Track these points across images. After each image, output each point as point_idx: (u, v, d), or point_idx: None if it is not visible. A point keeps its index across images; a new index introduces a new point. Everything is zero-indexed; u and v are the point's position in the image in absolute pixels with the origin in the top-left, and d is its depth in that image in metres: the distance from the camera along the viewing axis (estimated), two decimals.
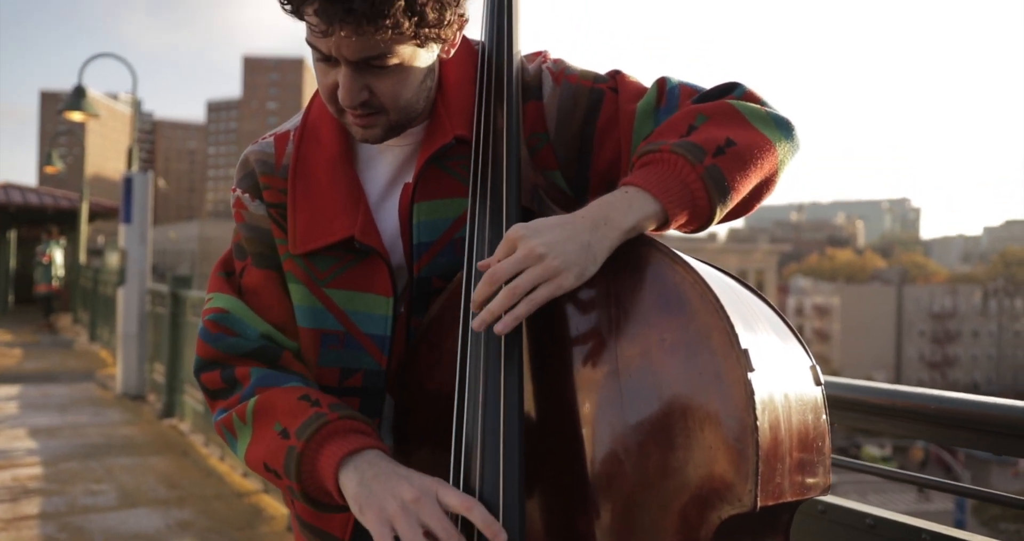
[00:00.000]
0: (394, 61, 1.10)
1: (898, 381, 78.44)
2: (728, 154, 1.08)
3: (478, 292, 1.05)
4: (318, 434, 1.10)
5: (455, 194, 1.23)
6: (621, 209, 1.06)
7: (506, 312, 1.04)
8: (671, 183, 1.07)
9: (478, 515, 0.99)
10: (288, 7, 1.08)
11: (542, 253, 1.02)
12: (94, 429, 7.23)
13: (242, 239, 1.30)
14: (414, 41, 1.09)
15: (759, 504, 0.91)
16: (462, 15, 1.14)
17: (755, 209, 1.18)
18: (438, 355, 1.19)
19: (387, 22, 1.03)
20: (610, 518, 1.01)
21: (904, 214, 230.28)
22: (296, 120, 1.32)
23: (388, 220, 1.26)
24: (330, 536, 1.26)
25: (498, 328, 1.04)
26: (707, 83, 1.23)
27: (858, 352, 79.72)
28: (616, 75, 1.26)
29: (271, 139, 1.31)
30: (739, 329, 0.94)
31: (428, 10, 1.06)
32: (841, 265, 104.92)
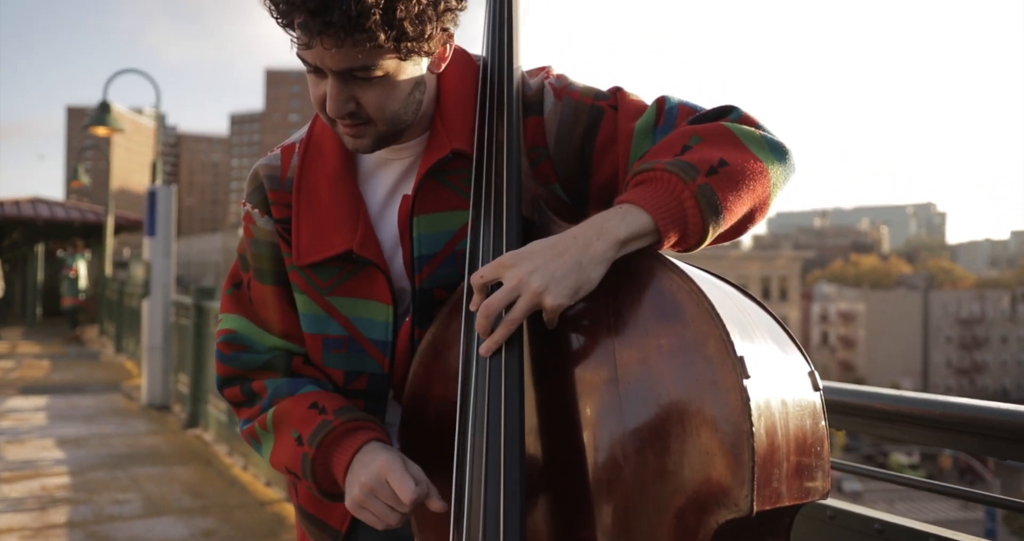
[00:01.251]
0: (378, 73, 1.13)
1: (925, 388, 77.48)
2: (721, 174, 1.09)
3: (479, 326, 1.09)
4: (326, 440, 1.23)
5: (454, 207, 1.27)
6: (614, 225, 1.07)
7: (490, 335, 1.09)
8: (664, 200, 1.08)
9: (408, 496, 1.11)
10: (279, 21, 1.12)
11: (528, 282, 1.05)
12: (120, 439, 7.31)
13: (248, 254, 1.38)
14: (396, 54, 1.12)
15: (756, 509, 0.92)
16: (446, 29, 1.17)
17: (747, 231, 1.18)
18: (443, 366, 1.23)
19: (364, 35, 1.07)
20: (610, 522, 1.03)
21: (929, 219, 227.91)
22: (303, 132, 1.36)
23: (388, 232, 1.31)
24: (329, 527, 1.37)
25: (481, 351, 1.09)
26: (708, 101, 1.25)
27: (884, 358, 78.86)
28: (617, 92, 1.28)
29: (278, 152, 1.37)
30: (735, 336, 0.96)
31: (407, 24, 1.09)
32: (866, 271, 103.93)
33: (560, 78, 1.30)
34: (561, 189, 1.28)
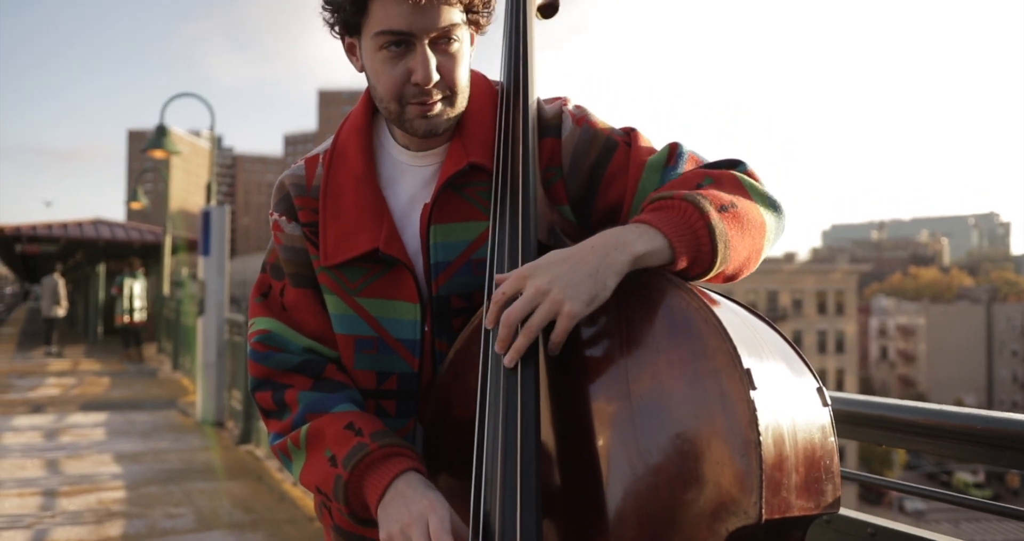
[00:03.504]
0: (455, 44, 1.25)
1: (990, 404, 75.22)
2: (731, 213, 1.16)
3: (500, 337, 1.12)
4: (360, 464, 1.22)
5: (470, 218, 1.33)
6: (632, 240, 1.12)
7: (511, 346, 1.12)
8: (680, 226, 1.13)
9: None
10: None
11: (548, 289, 1.09)
12: (175, 454, 7.48)
13: (280, 260, 1.42)
14: (468, 25, 1.27)
15: (764, 516, 0.93)
16: (491, 13, 1.31)
17: (735, 280, 1.24)
18: (463, 386, 1.25)
19: None
20: (625, 532, 1.04)
21: (992, 229, 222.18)
22: (326, 144, 1.43)
23: (410, 236, 1.35)
24: None
25: (505, 362, 1.12)
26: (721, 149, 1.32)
27: (946, 374, 76.86)
28: (632, 131, 1.36)
29: (302, 163, 1.43)
30: (742, 350, 0.99)
31: None
32: (926, 284, 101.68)
33: (579, 108, 1.38)
34: (571, 211, 1.34)
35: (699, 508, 0.98)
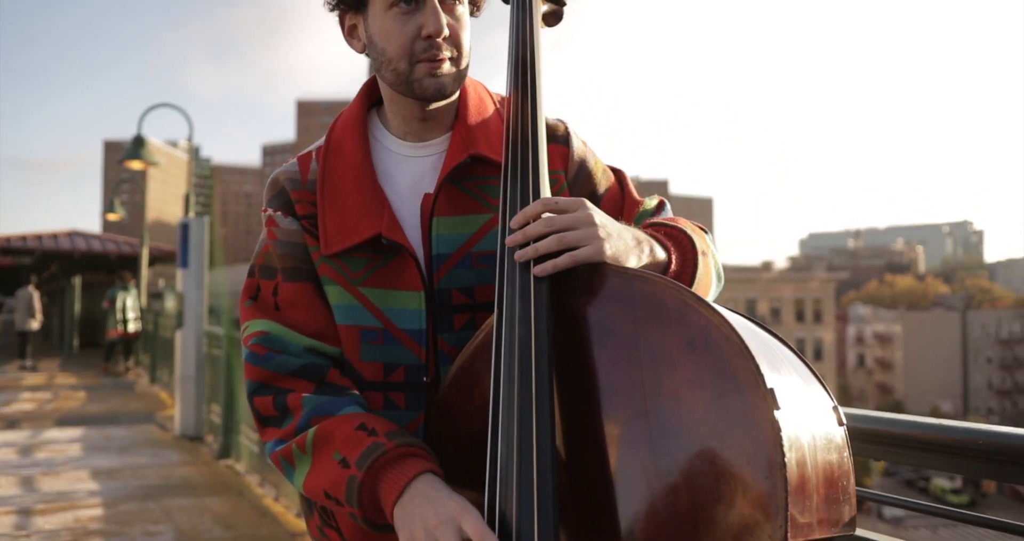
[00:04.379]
0: (460, 8, 1.32)
1: (966, 410, 76.05)
2: (705, 260, 1.30)
3: (532, 207, 1.16)
4: (376, 463, 1.16)
5: (472, 210, 1.35)
6: (651, 245, 1.24)
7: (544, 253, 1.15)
8: (679, 252, 1.28)
9: None
10: None
11: (597, 224, 1.15)
12: (153, 470, 7.36)
13: (274, 255, 1.38)
14: None
15: (789, 540, 0.90)
16: None
17: None
18: (468, 402, 1.21)
19: None
20: None
21: (966, 237, 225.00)
22: (319, 142, 1.43)
23: (410, 227, 1.35)
24: None
25: (537, 270, 1.14)
26: None
27: (923, 381, 77.59)
28: (621, 172, 1.49)
29: (295, 161, 1.43)
30: (764, 369, 0.96)
31: None
32: (902, 292, 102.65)
33: (580, 136, 1.46)
34: None
35: (721, 531, 0.95)
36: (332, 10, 1.38)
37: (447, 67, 1.31)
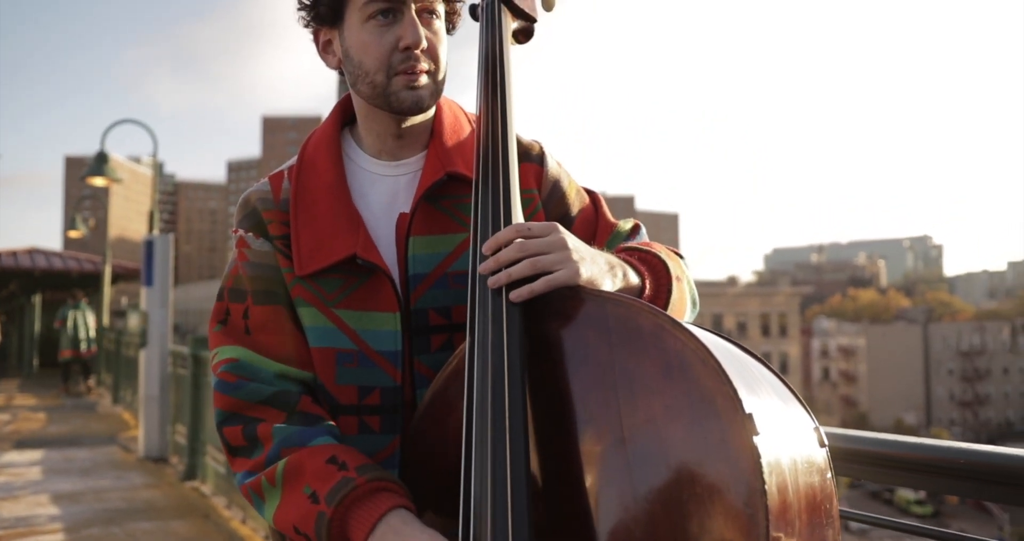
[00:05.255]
0: (437, 23, 1.32)
1: (929, 422, 77.00)
2: (679, 285, 1.30)
3: (503, 233, 1.15)
4: (346, 499, 1.13)
5: (448, 230, 1.34)
6: (625, 269, 1.23)
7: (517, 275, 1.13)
8: (652, 277, 1.27)
9: None
10: None
11: (567, 245, 1.14)
12: (116, 493, 7.21)
13: (245, 277, 1.35)
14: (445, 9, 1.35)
15: None
16: (455, 11, 1.38)
17: None
18: (443, 430, 1.20)
19: None
20: None
21: (926, 252, 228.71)
22: (291, 161, 1.42)
23: (385, 246, 1.33)
24: None
25: (513, 296, 1.12)
26: None
27: (886, 393, 78.52)
28: (595, 194, 1.49)
29: (266, 180, 1.41)
30: (742, 393, 0.95)
31: None
32: (865, 305, 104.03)
33: (554, 157, 1.46)
34: None
35: None
36: (307, 25, 1.37)
37: (424, 80, 1.30)
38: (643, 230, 1.47)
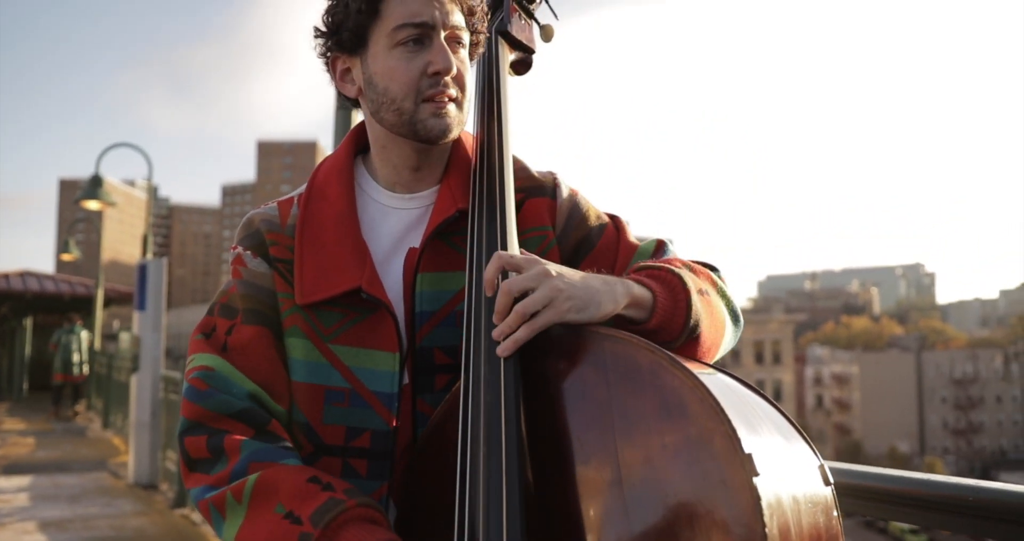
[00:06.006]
0: (463, 52, 1.30)
1: (923, 450, 76.73)
2: (705, 299, 1.23)
3: (498, 303, 1.11)
4: (335, 522, 1.07)
5: (457, 267, 1.30)
6: (626, 284, 1.17)
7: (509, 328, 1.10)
8: (665, 291, 1.19)
9: None
10: None
11: (553, 278, 1.10)
12: (105, 521, 7.12)
13: (236, 295, 1.31)
14: (471, 29, 1.32)
15: None
16: (482, 34, 1.36)
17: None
18: (439, 467, 1.18)
19: None
20: None
21: (919, 279, 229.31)
22: (300, 189, 1.39)
23: (392, 282, 1.30)
24: None
25: (500, 351, 1.10)
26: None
27: (880, 421, 78.34)
28: (617, 218, 1.43)
29: (275, 205, 1.38)
30: (742, 432, 0.94)
31: (477, 5, 1.34)
32: (858, 333, 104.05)
33: (570, 186, 1.43)
34: None
35: None
36: (324, 53, 1.34)
37: (452, 108, 1.28)
38: (670, 247, 1.40)
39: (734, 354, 66.92)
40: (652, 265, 1.26)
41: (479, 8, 1.34)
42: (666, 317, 1.17)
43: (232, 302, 1.32)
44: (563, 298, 1.09)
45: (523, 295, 1.11)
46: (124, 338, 13.30)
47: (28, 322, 20.83)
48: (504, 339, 1.10)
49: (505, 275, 1.15)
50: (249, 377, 1.25)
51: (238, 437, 1.19)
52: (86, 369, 15.77)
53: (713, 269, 1.34)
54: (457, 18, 1.29)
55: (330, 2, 1.32)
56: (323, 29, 1.32)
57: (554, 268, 1.12)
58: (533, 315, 1.10)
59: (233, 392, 1.23)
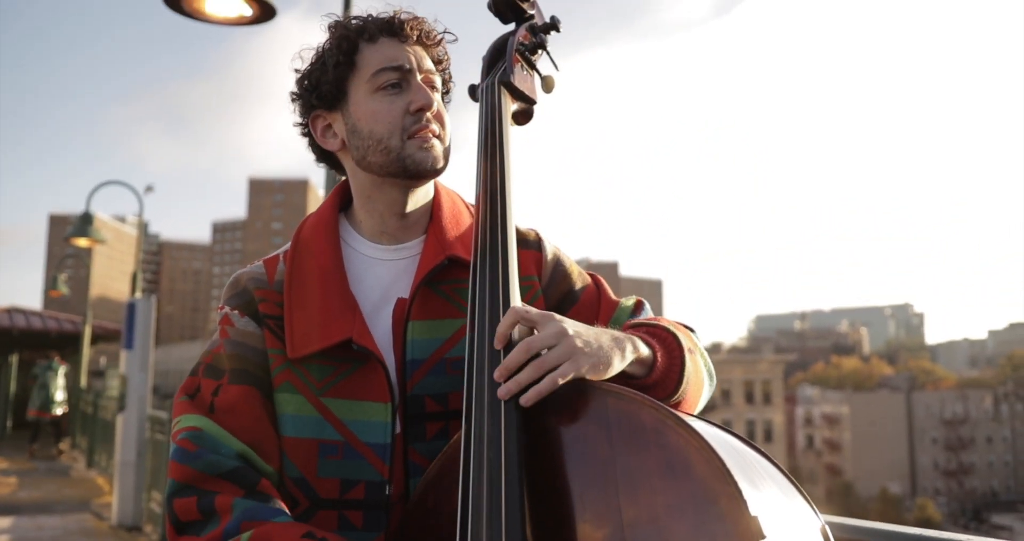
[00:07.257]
0: (438, 87, 1.39)
1: (914, 492, 76.34)
2: (692, 357, 1.27)
3: (511, 358, 1.10)
4: None
5: (447, 315, 1.33)
6: (633, 342, 1.19)
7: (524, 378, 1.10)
8: (664, 349, 1.23)
9: None
10: (369, 37, 1.35)
11: (571, 336, 1.11)
12: None
13: (223, 355, 1.31)
14: (443, 71, 1.42)
15: None
16: (450, 83, 1.45)
17: None
18: (436, 521, 1.16)
19: (441, 37, 1.42)
20: None
21: (908, 319, 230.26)
22: (285, 247, 1.40)
23: (381, 332, 1.31)
24: None
25: (523, 401, 1.08)
26: None
27: (871, 462, 78.00)
28: (596, 275, 1.49)
29: (261, 263, 1.40)
30: (747, 493, 0.94)
31: (444, 45, 1.43)
32: (848, 373, 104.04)
33: (552, 243, 1.48)
34: None
35: None
36: (306, 113, 1.39)
37: (437, 143, 1.34)
38: (647, 307, 1.46)
39: (724, 394, 66.81)
40: (648, 323, 1.30)
41: (446, 58, 1.43)
42: (663, 374, 1.21)
43: (218, 362, 1.31)
44: (581, 355, 1.10)
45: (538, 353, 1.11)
46: (112, 375, 13.15)
47: (14, 359, 20.64)
48: (514, 392, 1.10)
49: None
50: (238, 437, 1.24)
51: (229, 497, 1.17)
52: (65, 407, 15.53)
53: (691, 330, 1.39)
54: (429, 64, 1.38)
55: (305, 66, 1.38)
56: (300, 91, 1.39)
57: (571, 327, 1.13)
58: (551, 369, 1.10)
59: (222, 452, 1.22)
